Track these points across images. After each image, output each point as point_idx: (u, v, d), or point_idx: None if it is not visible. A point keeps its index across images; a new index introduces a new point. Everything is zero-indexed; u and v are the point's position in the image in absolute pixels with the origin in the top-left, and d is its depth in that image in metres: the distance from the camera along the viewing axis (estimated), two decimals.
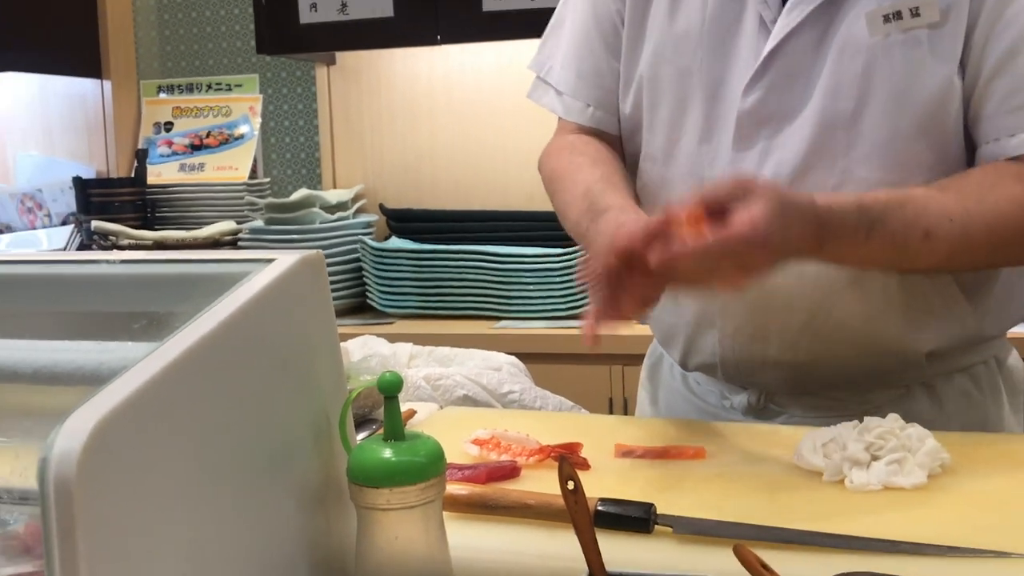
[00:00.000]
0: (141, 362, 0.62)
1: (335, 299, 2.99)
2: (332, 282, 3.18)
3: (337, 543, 0.79)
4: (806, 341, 1.22)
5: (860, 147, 1.16)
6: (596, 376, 2.44)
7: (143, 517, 0.60)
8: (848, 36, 1.15)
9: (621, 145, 1.37)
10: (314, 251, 0.79)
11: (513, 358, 1.60)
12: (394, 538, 0.74)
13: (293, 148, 3.30)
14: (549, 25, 1.42)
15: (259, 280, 0.72)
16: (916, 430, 1.01)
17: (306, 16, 2.83)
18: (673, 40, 1.25)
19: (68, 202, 3.24)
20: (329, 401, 0.79)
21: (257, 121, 3.28)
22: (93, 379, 0.66)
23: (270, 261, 0.75)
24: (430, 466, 0.74)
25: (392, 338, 1.68)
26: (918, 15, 1.12)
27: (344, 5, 2.79)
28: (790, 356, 1.24)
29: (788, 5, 1.17)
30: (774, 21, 1.18)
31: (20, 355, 0.75)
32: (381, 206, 3.01)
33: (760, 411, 1.29)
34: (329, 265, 2.94)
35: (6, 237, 3.25)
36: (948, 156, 1.17)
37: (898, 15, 1.13)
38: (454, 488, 0.93)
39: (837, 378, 1.25)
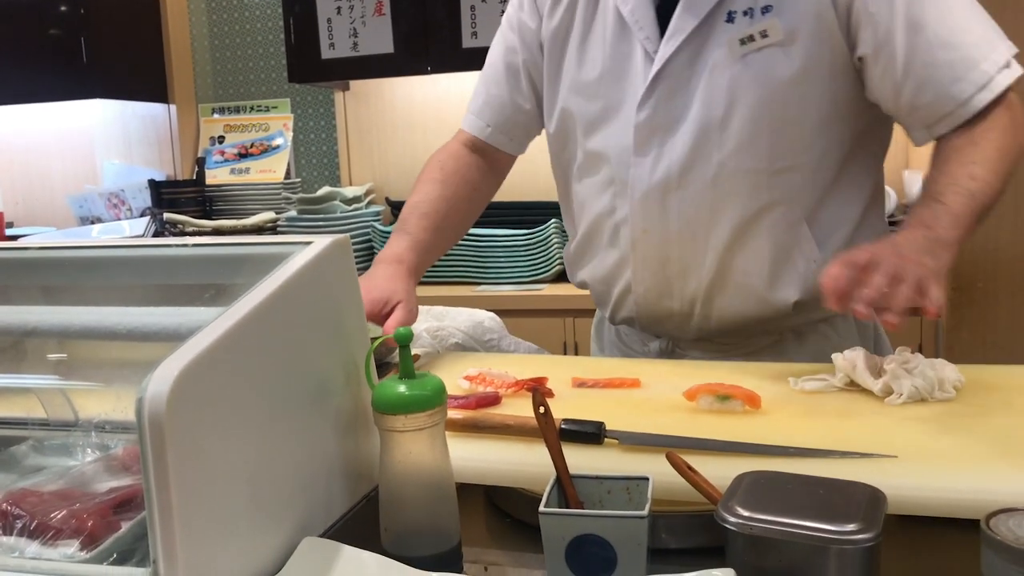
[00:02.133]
0: (212, 323, 0.61)
1: None
2: None
3: (365, 457, 0.79)
4: (700, 297, 1.22)
5: (729, 144, 1.15)
6: (554, 326, 2.44)
7: (218, 441, 0.59)
8: (715, 58, 1.14)
9: (504, 162, 1.42)
10: (343, 235, 0.78)
11: (492, 313, 1.59)
12: (408, 453, 0.73)
13: (318, 155, 3.26)
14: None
15: (301, 258, 0.71)
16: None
17: (326, 53, 2.78)
18: (582, 83, 1.24)
19: (145, 199, 3.20)
20: (356, 349, 0.78)
21: (289, 135, 3.24)
22: (175, 336, 0.65)
23: (308, 243, 0.74)
24: (435, 398, 0.74)
25: None
26: (767, 36, 1.12)
27: (355, 44, 2.74)
28: (688, 309, 1.24)
29: (665, 37, 1.16)
30: (656, 51, 1.17)
31: (116, 319, 0.74)
32: (387, 199, 2.98)
33: (669, 354, 1.30)
34: None
35: (97, 226, 3.20)
36: (806, 142, 1.16)
37: (751, 38, 1.12)
38: (451, 413, 0.92)
39: (725, 326, 1.24)
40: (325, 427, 0.74)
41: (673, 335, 1.29)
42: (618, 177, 1.22)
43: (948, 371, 0.99)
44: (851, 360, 1.02)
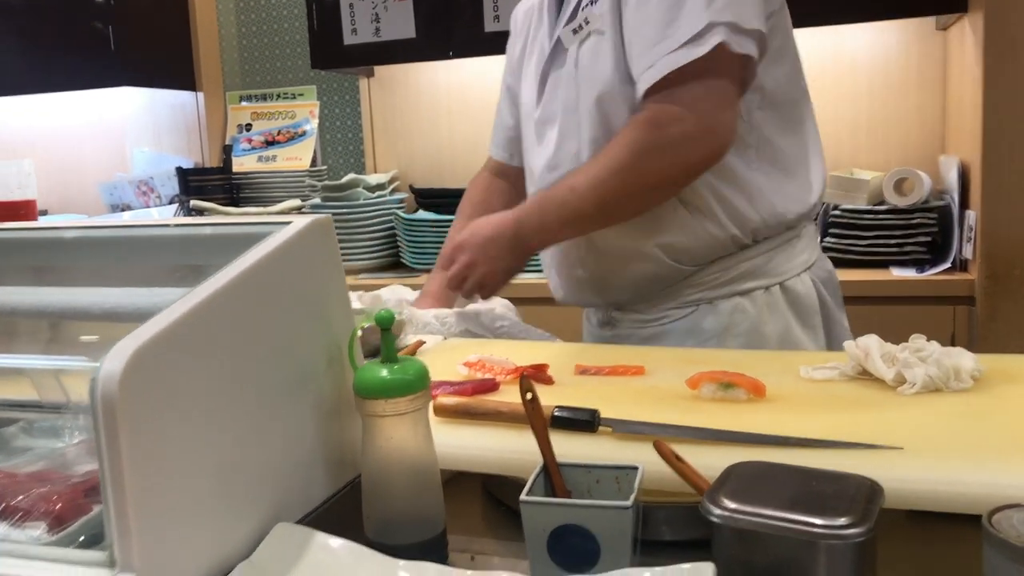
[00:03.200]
0: (176, 303, 0.59)
1: (375, 259, 2.95)
2: (373, 245, 3.11)
3: (348, 443, 0.77)
4: (591, 258, 1.32)
5: (584, 123, 1.25)
6: (569, 313, 2.40)
7: (179, 422, 0.58)
8: (569, 52, 1.26)
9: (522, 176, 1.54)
10: (324, 215, 0.76)
11: (505, 300, 1.57)
12: (389, 438, 0.71)
13: (343, 142, 3.26)
14: None
15: (277, 238, 0.70)
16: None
17: (348, 39, 2.77)
18: (524, 89, 1.40)
19: (173, 186, 3.22)
20: (339, 333, 0.77)
21: (315, 122, 3.24)
22: (146, 316, 0.63)
23: (287, 223, 0.72)
24: (417, 382, 0.72)
25: (419, 288, 1.65)
26: (589, 23, 1.22)
27: (377, 29, 2.73)
28: (589, 275, 1.34)
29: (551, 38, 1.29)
30: None
31: (96, 299, 0.73)
32: (411, 186, 2.97)
33: (608, 324, 1.39)
34: (369, 232, 2.91)
35: (127, 214, 3.24)
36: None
37: (580, 27, 1.23)
38: (445, 399, 0.91)
39: (626, 286, 1.32)
40: (304, 411, 0.72)
41: (594, 303, 1.39)
42: (532, 166, 1.38)
43: (965, 360, 0.94)
44: (864, 347, 0.99)
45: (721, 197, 1.23)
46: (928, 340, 0.99)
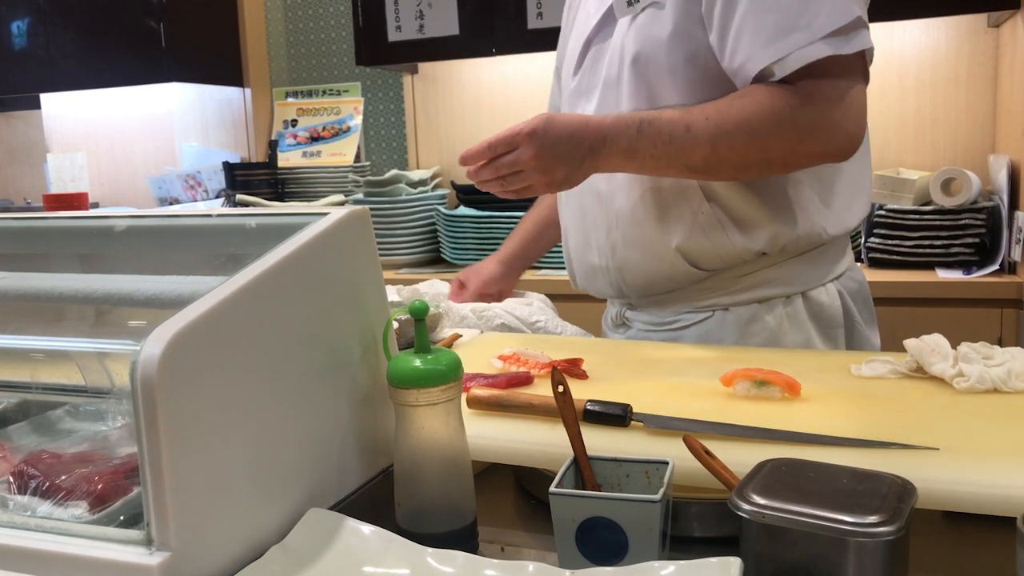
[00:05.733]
0: (215, 290, 0.61)
1: (416, 254, 2.96)
2: (414, 240, 3.12)
3: (381, 431, 0.78)
4: (609, 247, 1.26)
5: (624, 98, 1.19)
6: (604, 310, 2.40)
7: (215, 406, 0.59)
8: (618, 23, 1.21)
9: None
10: (362, 207, 0.77)
11: (543, 295, 1.58)
12: (421, 428, 0.72)
13: (387, 138, 3.29)
14: None
15: (314, 228, 0.71)
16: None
17: (393, 35, 2.79)
18: (565, 62, 1.35)
19: (220, 180, 3.27)
20: (375, 323, 0.78)
21: (360, 118, 3.27)
22: (186, 303, 0.65)
23: (324, 214, 0.73)
24: (449, 373, 0.73)
25: None
26: None
27: (421, 26, 2.75)
28: (605, 263, 1.28)
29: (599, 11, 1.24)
30: None
31: (138, 286, 0.75)
32: (452, 182, 2.98)
33: (620, 325, 1.36)
34: (411, 227, 2.92)
35: (175, 207, 3.30)
36: (684, 97, 1.15)
37: (637, 0, 1.18)
38: (479, 391, 0.91)
39: (637, 281, 1.27)
40: (339, 399, 0.73)
41: (607, 293, 1.35)
42: None
43: (1020, 360, 0.93)
44: (929, 343, 0.97)
45: (759, 209, 1.17)
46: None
